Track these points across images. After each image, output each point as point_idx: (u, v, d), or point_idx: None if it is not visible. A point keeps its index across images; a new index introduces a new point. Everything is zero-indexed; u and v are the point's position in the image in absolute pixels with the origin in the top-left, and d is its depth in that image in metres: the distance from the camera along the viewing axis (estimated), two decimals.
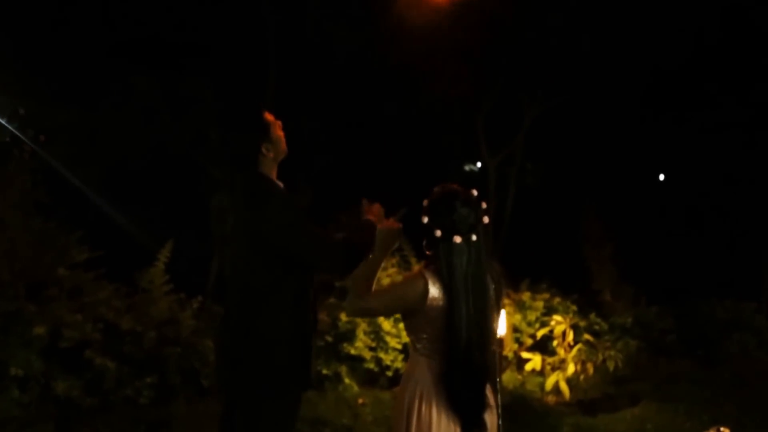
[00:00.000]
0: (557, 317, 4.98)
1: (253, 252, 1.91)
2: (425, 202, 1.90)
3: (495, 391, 1.98)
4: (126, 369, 3.98)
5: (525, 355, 4.93)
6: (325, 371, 4.48)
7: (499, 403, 1.99)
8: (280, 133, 2.02)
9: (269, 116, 2.01)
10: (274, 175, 2.02)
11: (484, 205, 1.89)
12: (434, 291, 1.83)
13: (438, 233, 1.84)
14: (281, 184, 2.01)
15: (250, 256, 1.92)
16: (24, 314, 3.78)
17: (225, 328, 2.04)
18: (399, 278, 4.96)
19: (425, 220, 1.88)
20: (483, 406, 1.91)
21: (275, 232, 1.88)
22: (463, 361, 1.84)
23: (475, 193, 1.90)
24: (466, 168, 11.73)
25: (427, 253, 1.91)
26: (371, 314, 1.98)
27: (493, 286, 1.91)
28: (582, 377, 4.84)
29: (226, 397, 2.06)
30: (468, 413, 1.89)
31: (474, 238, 1.84)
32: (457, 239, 1.82)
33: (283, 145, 2.03)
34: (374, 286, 1.91)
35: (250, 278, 1.94)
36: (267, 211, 1.88)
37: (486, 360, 1.89)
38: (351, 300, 1.92)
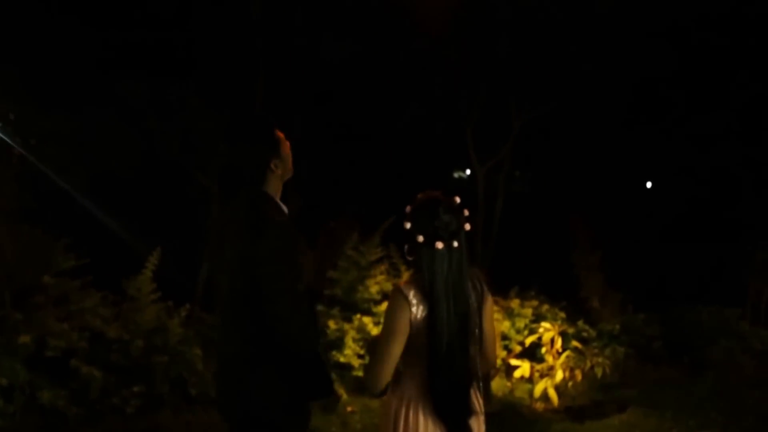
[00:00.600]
0: (546, 324, 5.01)
1: (242, 274, 1.85)
2: (408, 208, 1.93)
3: (481, 397, 1.99)
4: (113, 378, 3.96)
5: (514, 362, 4.94)
6: None
7: (483, 409, 2.00)
8: (289, 152, 1.99)
9: (280, 133, 1.98)
10: (278, 194, 1.98)
11: (466, 213, 1.92)
12: (415, 301, 1.86)
13: (420, 239, 1.86)
14: (285, 209, 1.96)
15: (240, 278, 1.86)
16: (9, 322, 3.75)
17: (223, 342, 1.98)
18: (388, 285, 4.97)
19: (408, 225, 1.90)
20: (468, 412, 1.92)
21: (260, 267, 1.80)
22: (446, 367, 1.86)
23: (457, 200, 1.92)
24: (456, 175, 11.81)
25: (409, 258, 1.93)
26: (382, 363, 1.86)
27: (475, 293, 1.93)
28: (570, 384, 4.86)
29: (229, 423, 1.96)
30: (453, 420, 1.90)
31: (456, 244, 1.86)
32: (439, 245, 1.84)
33: (290, 164, 2.00)
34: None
35: (244, 295, 1.87)
36: (262, 244, 1.80)
37: (468, 366, 1.90)
38: (364, 373, 1.94)
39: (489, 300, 2.00)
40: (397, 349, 1.86)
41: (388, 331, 1.86)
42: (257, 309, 1.82)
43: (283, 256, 1.81)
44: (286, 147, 1.99)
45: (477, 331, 1.93)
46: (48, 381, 3.78)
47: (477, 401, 1.97)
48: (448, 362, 1.86)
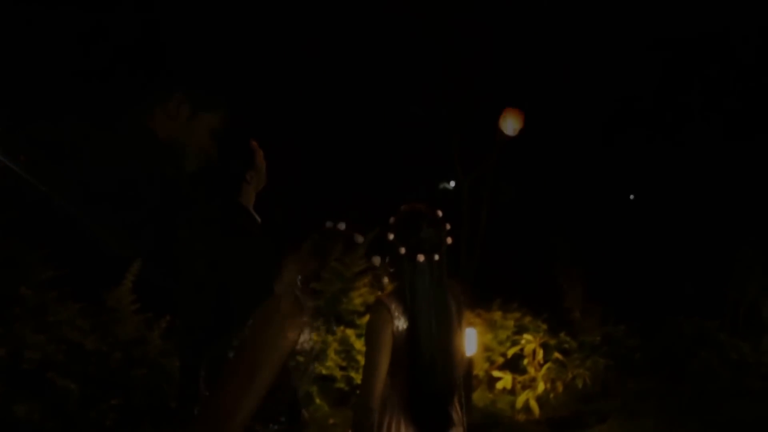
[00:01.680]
0: (528, 336, 5.04)
1: (210, 285, 1.83)
2: (392, 220, 1.94)
3: (462, 410, 2.00)
4: (90, 391, 3.89)
5: (496, 373, 4.96)
6: None
7: (465, 421, 2.00)
8: (263, 162, 2.00)
9: (254, 143, 1.99)
10: (251, 204, 1.98)
11: (448, 226, 1.93)
12: (397, 314, 1.86)
13: (402, 251, 1.87)
14: (258, 219, 1.96)
15: (209, 289, 1.84)
16: None
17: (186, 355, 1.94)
18: (371, 298, 4.96)
19: (391, 237, 1.91)
20: (448, 424, 1.93)
21: (231, 280, 1.79)
22: (427, 379, 1.87)
23: (440, 213, 1.94)
24: (441, 186, 11.85)
25: (390, 270, 1.94)
26: (373, 377, 1.84)
27: (455, 305, 1.94)
28: (552, 395, 4.89)
29: None
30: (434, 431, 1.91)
31: (437, 257, 1.88)
32: (421, 258, 1.86)
33: (264, 174, 2.01)
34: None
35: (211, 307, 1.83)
36: (234, 256, 1.80)
37: (449, 378, 1.91)
38: (359, 391, 1.91)
39: (465, 313, 2.02)
40: (384, 361, 1.86)
41: (372, 345, 1.86)
42: (224, 322, 1.77)
43: (254, 269, 1.80)
44: (260, 157, 2.00)
45: (457, 343, 1.94)
46: (23, 394, 3.70)
47: (457, 413, 1.98)
48: (429, 374, 1.87)
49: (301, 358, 4.52)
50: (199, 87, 1.94)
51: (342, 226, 1.83)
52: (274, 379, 1.52)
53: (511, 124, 6.03)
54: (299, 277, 1.77)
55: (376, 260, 1.73)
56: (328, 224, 1.91)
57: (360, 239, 1.77)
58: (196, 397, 1.85)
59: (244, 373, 1.39)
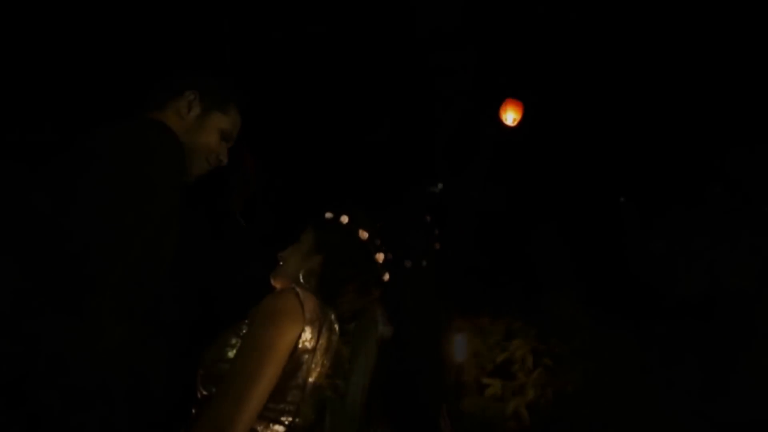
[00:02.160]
0: (517, 341, 5.01)
1: (193, 293, 1.83)
2: (378, 225, 1.90)
3: (449, 417, 1.96)
4: (72, 401, 3.81)
5: (485, 380, 4.93)
6: None
7: (453, 429, 1.97)
8: (252, 167, 2.01)
9: (243, 147, 1.98)
10: (239, 209, 1.99)
11: (436, 232, 1.90)
12: (382, 320, 1.83)
13: (389, 256, 1.84)
14: (243, 223, 1.96)
15: (191, 297, 1.84)
16: None
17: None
18: (358, 305, 4.90)
19: (377, 243, 1.87)
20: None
21: (217, 282, 1.80)
22: (414, 387, 1.83)
23: (428, 219, 1.91)
24: (428, 189, 11.84)
25: (377, 275, 1.91)
26: (359, 386, 1.82)
27: (442, 311, 1.91)
28: (542, 401, 4.85)
29: None
30: None
31: (424, 263, 1.85)
32: (407, 264, 1.82)
33: (253, 179, 2.02)
34: None
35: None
36: (220, 261, 1.81)
37: (437, 386, 1.87)
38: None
39: (454, 319, 1.99)
40: (369, 369, 1.83)
41: (357, 352, 1.82)
42: (210, 327, 1.76)
43: (238, 275, 1.78)
44: (249, 162, 1.98)
45: (445, 349, 1.91)
46: (2, 406, 3.62)
47: (445, 421, 1.94)
48: (416, 382, 1.83)
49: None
50: (212, 84, 1.85)
51: (345, 219, 1.75)
52: (277, 378, 1.48)
53: (510, 115, 6.08)
54: (301, 271, 1.71)
55: (380, 257, 1.69)
56: (328, 215, 1.84)
57: (365, 235, 1.71)
58: (193, 398, 1.82)
59: (245, 372, 1.38)
